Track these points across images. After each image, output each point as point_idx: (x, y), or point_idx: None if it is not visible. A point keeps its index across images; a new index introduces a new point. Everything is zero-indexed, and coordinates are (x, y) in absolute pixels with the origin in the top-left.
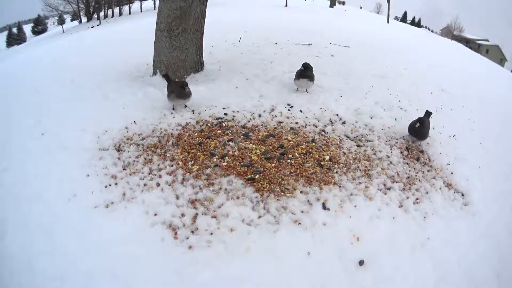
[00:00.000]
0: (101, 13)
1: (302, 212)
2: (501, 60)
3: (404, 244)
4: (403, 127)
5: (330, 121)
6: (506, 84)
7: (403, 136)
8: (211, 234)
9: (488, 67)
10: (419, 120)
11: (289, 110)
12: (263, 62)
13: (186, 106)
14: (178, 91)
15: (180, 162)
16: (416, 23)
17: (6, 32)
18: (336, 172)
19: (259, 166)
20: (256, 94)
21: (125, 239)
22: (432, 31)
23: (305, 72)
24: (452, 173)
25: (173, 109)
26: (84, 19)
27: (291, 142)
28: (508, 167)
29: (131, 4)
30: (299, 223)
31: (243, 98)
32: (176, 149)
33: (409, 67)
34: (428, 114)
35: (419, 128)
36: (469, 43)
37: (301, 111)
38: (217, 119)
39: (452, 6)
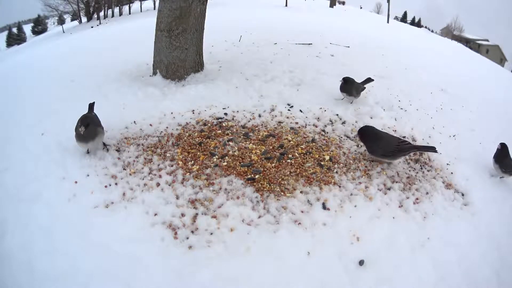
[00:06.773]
0: (101, 13)
1: (302, 212)
2: (501, 60)
3: (404, 244)
4: (403, 127)
5: (330, 121)
6: (506, 84)
7: (404, 136)
8: (211, 234)
9: (488, 67)
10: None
11: (289, 110)
12: (263, 62)
13: (89, 152)
14: (77, 131)
15: (180, 162)
16: (416, 23)
17: (6, 32)
18: (336, 172)
19: (259, 166)
20: (256, 94)
21: (125, 239)
22: (432, 31)
23: (344, 86)
24: (452, 173)
25: (87, 152)
26: (84, 19)
27: (291, 142)
28: None
29: (131, 4)
30: (299, 223)
31: (243, 98)
32: (176, 149)
33: (409, 67)
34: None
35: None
36: (469, 43)
37: (301, 111)
38: (217, 119)
39: (452, 6)
